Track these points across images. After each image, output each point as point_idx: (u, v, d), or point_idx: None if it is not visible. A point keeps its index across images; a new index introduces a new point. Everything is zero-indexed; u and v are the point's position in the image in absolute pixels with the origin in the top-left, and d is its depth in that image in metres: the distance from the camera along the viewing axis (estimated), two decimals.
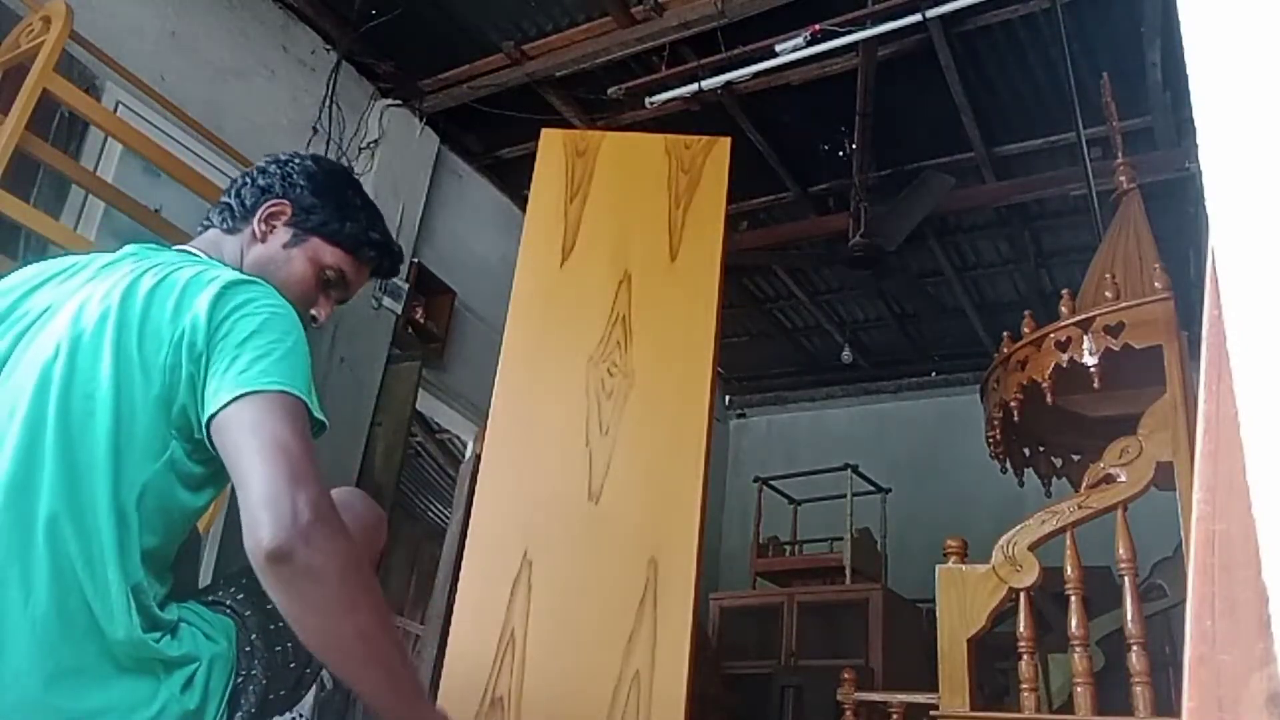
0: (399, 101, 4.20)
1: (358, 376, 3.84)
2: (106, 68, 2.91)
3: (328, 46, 3.96)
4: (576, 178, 2.16)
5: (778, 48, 3.52)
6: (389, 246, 1.41)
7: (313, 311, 1.34)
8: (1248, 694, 0.46)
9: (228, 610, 1.16)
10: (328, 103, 3.91)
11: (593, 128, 4.15)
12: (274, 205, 1.32)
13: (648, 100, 3.93)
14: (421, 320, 4.28)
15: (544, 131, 2.26)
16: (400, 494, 5.21)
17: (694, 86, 3.80)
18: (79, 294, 1.12)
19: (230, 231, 1.32)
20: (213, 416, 1.02)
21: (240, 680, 1.11)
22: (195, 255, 1.26)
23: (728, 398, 7.11)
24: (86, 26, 2.79)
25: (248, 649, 1.13)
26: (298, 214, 1.32)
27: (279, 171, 1.34)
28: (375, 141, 4.08)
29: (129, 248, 1.24)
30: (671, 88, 3.88)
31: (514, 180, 4.75)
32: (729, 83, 3.86)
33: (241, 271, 1.24)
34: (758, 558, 5.30)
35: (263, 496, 0.96)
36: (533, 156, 2.24)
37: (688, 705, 1.68)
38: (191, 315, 1.07)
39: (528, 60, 3.98)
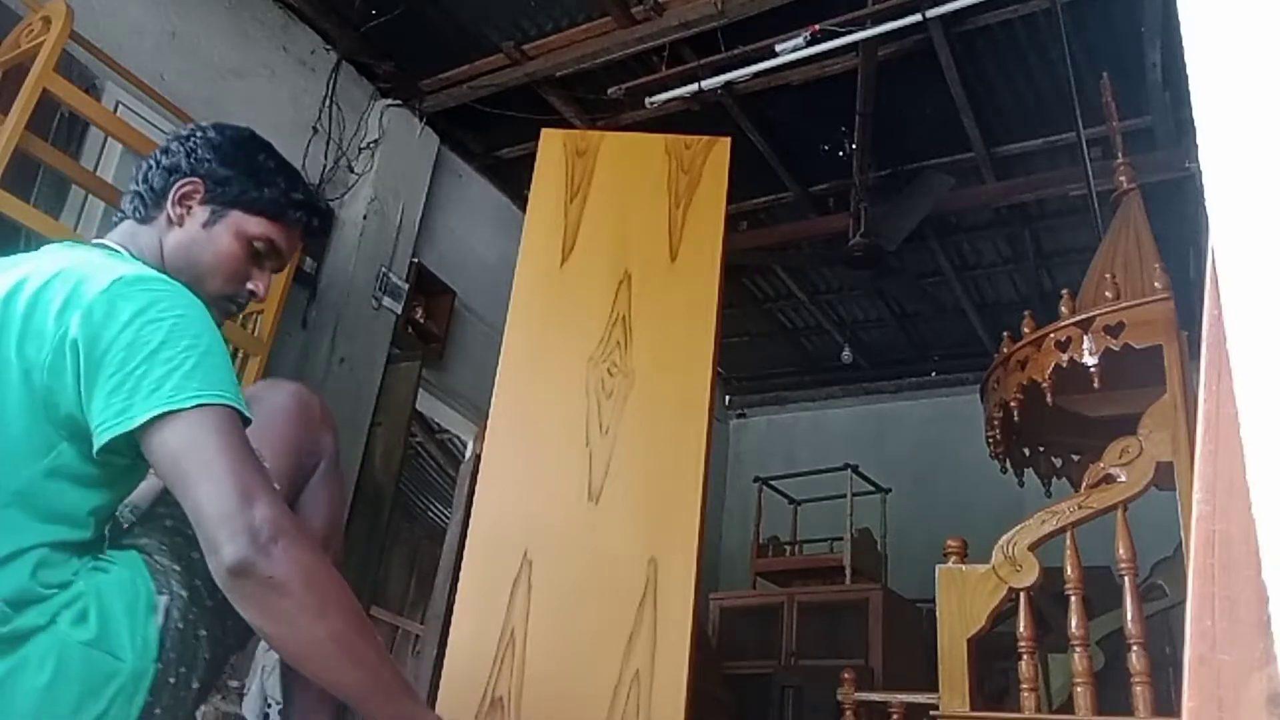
0: (399, 101, 4.20)
1: (357, 376, 3.84)
2: (106, 68, 2.91)
3: (328, 46, 3.96)
4: (576, 178, 2.16)
5: (778, 48, 3.52)
6: (314, 204, 1.33)
7: (249, 287, 1.27)
8: (1248, 694, 0.46)
9: (126, 545, 1.12)
10: (328, 103, 3.91)
11: (593, 128, 4.15)
12: (185, 185, 1.24)
13: (648, 100, 3.93)
14: (421, 320, 4.28)
15: (544, 131, 2.26)
16: (400, 494, 5.21)
17: (694, 86, 3.80)
18: None
19: (144, 221, 1.25)
20: (132, 433, 0.98)
21: (164, 598, 1.06)
22: (111, 249, 1.20)
23: (728, 398, 7.11)
24: (86, 26, 2.79)
25: (159, 570, 1.08)
26: (211, 189, 1.25)
27: (182, 148, 1.26)
28: (375, 141, 4.08)
29: (48, 246, 1.19)
30: (671, 88, 3.88)
31: (514, 180, 4.75)
32: (729, 83, 3.86)
33: (160, 263, 1.20)
34: (758, 558, 5.30)
35: (215, 519, 0.96)
36: (533, 156, 2.24)
37: (688, 705, 1.68)
38: (78, 314, 1.00)
39: (528, 60, 3.98)
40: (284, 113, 3.75)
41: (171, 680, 1.05)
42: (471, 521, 1.91)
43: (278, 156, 1.33)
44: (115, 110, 2.94)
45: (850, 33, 3.44)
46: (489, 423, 1.98)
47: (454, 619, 1.84)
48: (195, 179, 1.25)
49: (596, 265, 2.05)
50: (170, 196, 1.24)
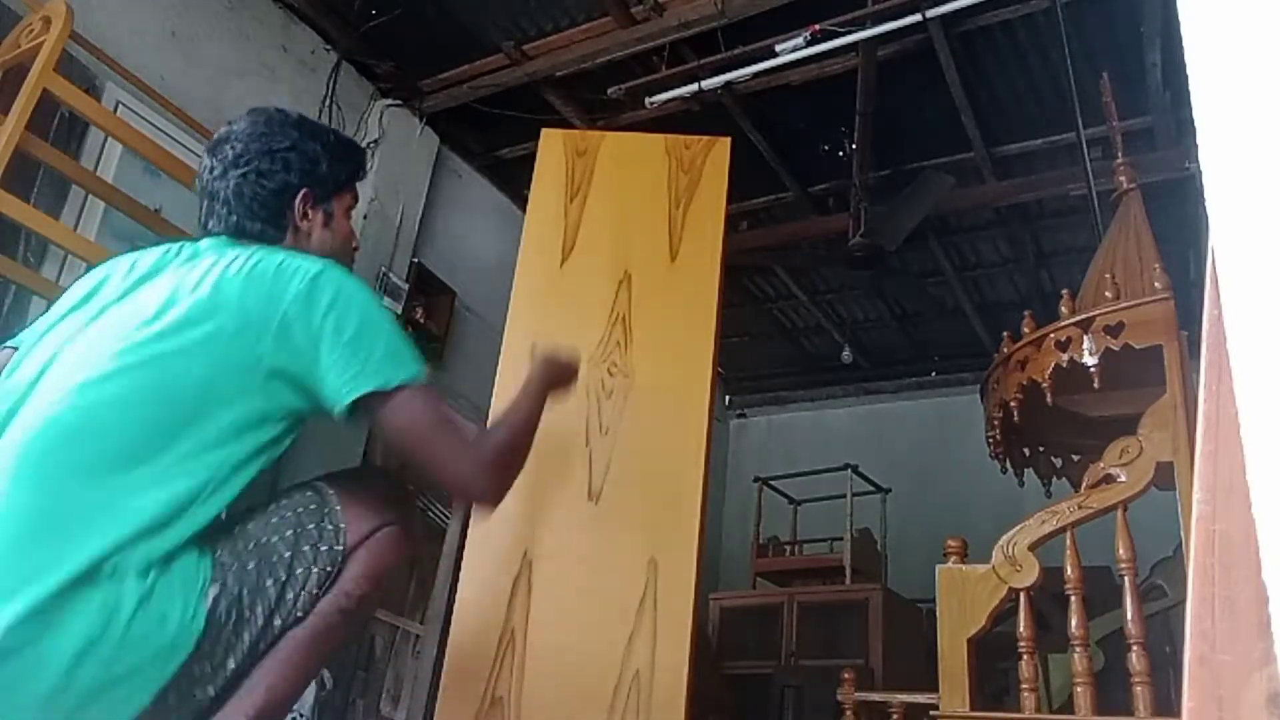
0: (399, 101, 4.19)
1: None
2: (106, 68, 2.91)
3: (328, 46, 3.96)
4: (576, 178, 2.16)
5: (778, 48, 3.52)
6: (359, 149, 1.50)
7: (354, 245, 1.46)
8: (1248, 694, 0.46)
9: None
10: (328, 103, 3.91)
11: (593, 128, 4.14)
12: (301, 200, 1.36)
13: (648, 100, 3.93)
14: (421, 320, 4.28)
15: (544, 131, 2.26)
16: None
17: (694, 86, 3.80)
18: (166, 280, 1.24)
19: (272, 241, 1.34)
20: (355, 408, 1.19)
21: (215, 588, 1.14)
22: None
23: (728, 398, 7.11)
24: (86, 26, 2.79)
25: (219, 565, 1.16)
26: (317, 191, 1.38)
27: (276, 163, 1.35)
28: (375, 141, 4.08)
29: (208, 242, 1.32)
30: (671, 88, 3.88)
31: (514, 180, 4.75)
32: (729, 83, 3.85)
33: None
34: (758, 558, 5.30)
35: (455, 473, 1.27)
36: (533, 156, 2.24)
37: (688, 705, 1.68)
38: (289, 299, 1.19)
39: (528, 60, 3.98)
40: None
41: (195, 671, 1.12)
42: (471, 521, 1.91)
43: (323, 125, 1.46)
44: (115, 110, 2.94)
45: (850, 33, 3.44)
46: (489, 423, 1.97)
47: (454, 619, 1.84)
48: (304, 189, 1.37)
49: (596, 265, 2.05)
50: (293, 214, 1.37)
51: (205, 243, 1.33)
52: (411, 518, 1.37)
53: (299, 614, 1.20)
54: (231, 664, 1.16)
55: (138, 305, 1.22)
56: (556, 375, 1.58)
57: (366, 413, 1.21)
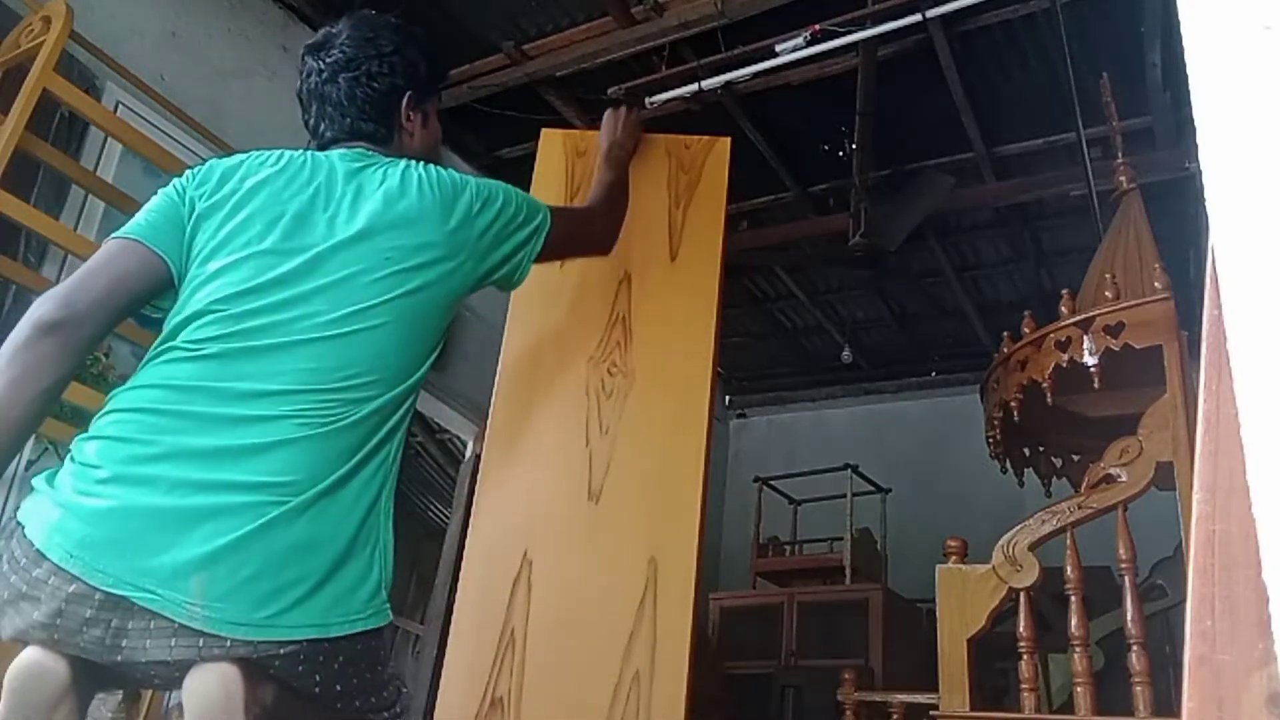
0: None
1: None
2: (106, 68, 2.91)
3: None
4: (576, 178, 2.16)
5: (778, 48, 3.52)
6: (443, 54, 1.59)
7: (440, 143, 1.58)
8: (1248, 694, 0.46)
9: None
10: None
11: (593, 128, 4.13)
12: (407, 101, 1.44)
13: (648, 100, 3.93)
14: None
15: (544, 131, 2.26)
16: (400, 494, 5.21)
17: (694, 86, 3.80)
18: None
19: (384, 141, 1.42)
20: (531, 264, 1.51)
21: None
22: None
23: (728, 398, 7.11)
24: (86, 26, 2.79)
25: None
26: (419, 93, 1.46)
27: (384, 65, 1.41)
28: None
29: (336, 153, 1.39)
30: (671, 88, 3.88)
31: (514, 180, 4.64)
32: (729, 83, 3.85)
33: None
34: (758, 558, 5.30)
35: (593, 243, 1.82)
36: (533, 156, 2.24)
37: (688, 705, 1.68)
38: (464, 206, 1.37)
39: (528, 60, 3.98)
40: (284, 113, 3.74)
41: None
42: (471, 521, 1.91)
43: (416, 30, 1.51)
44: (115, 110, 2.94)
45: (850, 33, 3.43)
46: (489, 423, 1.97)
47: (454, 619, 1.84)
48: (409, 91, 1.45)
49: (596, 265, 2.04)
50: (400, 116, 1.44)
51: (339, 161, 1.37)
52: None
53: None
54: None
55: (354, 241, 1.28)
56: (621, 139, 2.02)
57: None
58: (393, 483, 1.24)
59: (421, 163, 1.39)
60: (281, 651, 1.02)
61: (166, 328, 1.21)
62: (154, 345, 1.21)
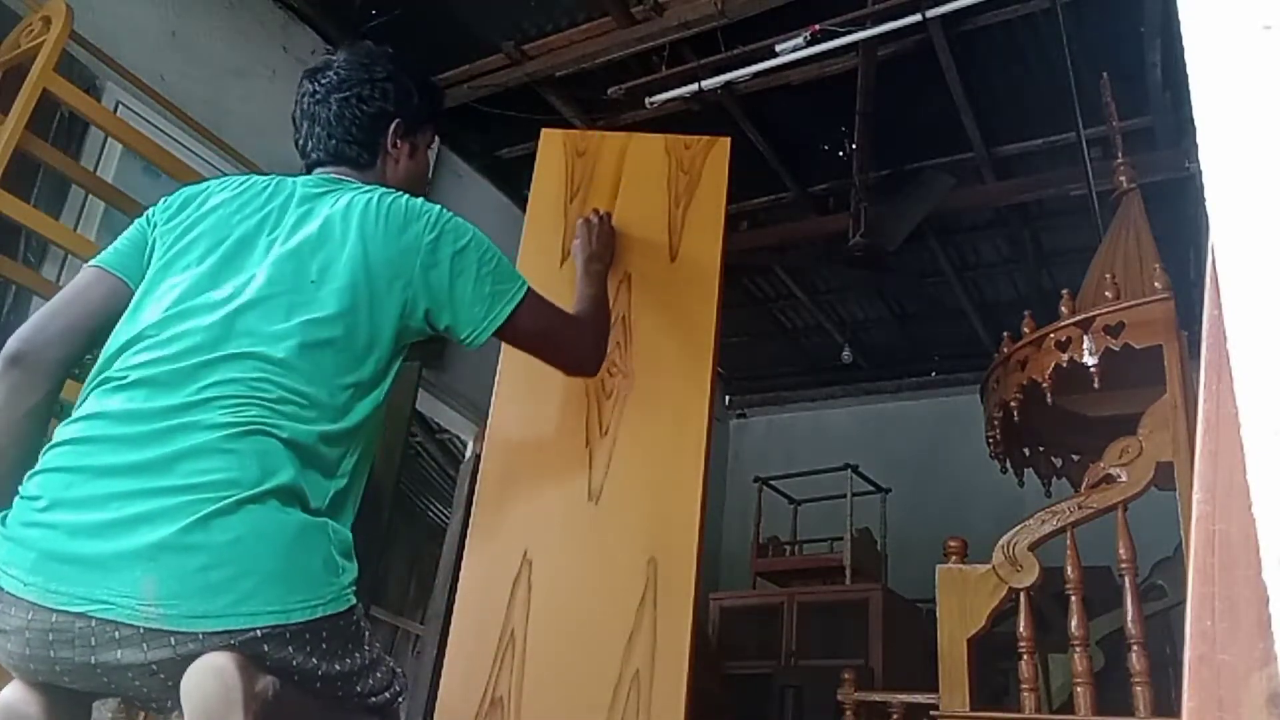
0: None
1: None
2: (106, 68, 2.91)
3: (328, 47, 3.96)
4: (576, 178, 2.16)
5: (778, 48, 3.52)
6: (442, 91, 1.59)
7: (427, 179, 1.55)
8: (1248, 694, 0.46)
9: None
10: None
11: (593, 128, 4.14)
12: (395, 127, 1.43)
13: (648, 100, 3.93)
14: None
15: (544, 131, 2.26)
16: (400, 494, 5.21)
17: (694, 86, 3.80)
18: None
19: (366, 165, 1.42)
20: (495, 329, 1.36)
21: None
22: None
23: (728, 398, 7.11)
24: (86, 26, 2.79)
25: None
26: (409, 121, 1.45)
27: (377, 91, 1.42)
28: None
29: (320, 177, 1.39)
30: (671, 88, 3.88)
31: (514, 180, 4.74)
32: (729, 83, 3.85)
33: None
34: (758, 558, 5.30)
35: (577, 358, 1.59)
36: (533, 156, 2.24)
37: (688, 705, 1.68)
38: (414, 234, 1.31)
39: (528, 60, 3.98)
40: (284, 113, 3.73)
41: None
42: (471, 521, 1.90)
43: (413, 66, 1.51)
44: (115, 110, 2.94)
45: (850, 33, 3.43)
46: (489, 423, 1.97)
47: (454, 619, 1.84)
48: (397, 118, 1.44)
49: None
50: (386, 141, 1.43)
51: (300, 186, 1.37)
52: None
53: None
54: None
55: (300, 259, 1.27)
56: (597, 251, 1.91)
57: (499, 332, 1.38)
58: (353, 485, 1.23)
59: (395, 192, 1.35)
60: (259, 634, 1.03)
61: (105, 353, 1.22)
62: (93, 372, 1.22)
